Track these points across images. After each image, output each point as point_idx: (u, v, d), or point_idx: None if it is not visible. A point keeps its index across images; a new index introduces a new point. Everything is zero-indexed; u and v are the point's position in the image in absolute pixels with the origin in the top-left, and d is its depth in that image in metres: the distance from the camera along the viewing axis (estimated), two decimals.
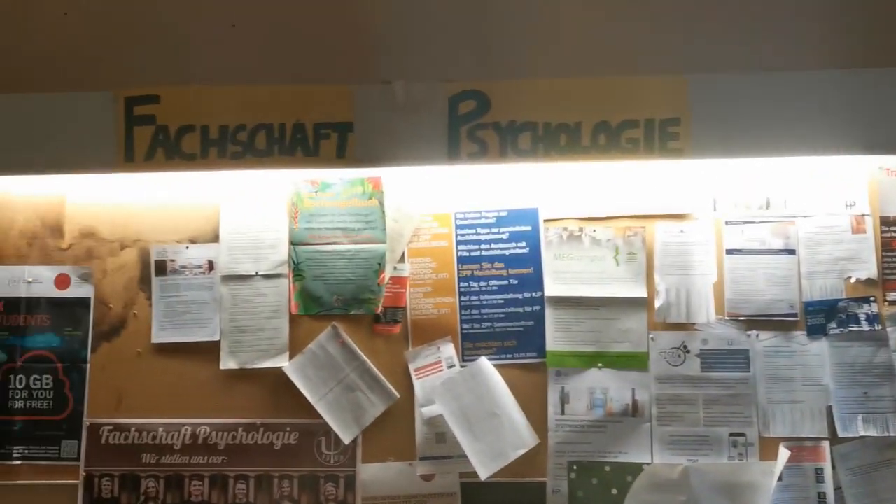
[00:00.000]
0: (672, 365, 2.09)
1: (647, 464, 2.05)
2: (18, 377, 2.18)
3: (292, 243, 2.13)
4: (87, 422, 2.14)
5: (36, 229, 2.22)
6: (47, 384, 2.17)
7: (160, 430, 2.14)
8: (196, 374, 2.14)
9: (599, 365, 2.08)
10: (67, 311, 2.19)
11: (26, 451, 2.15)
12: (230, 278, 2.15)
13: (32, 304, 2.20)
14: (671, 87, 1.94)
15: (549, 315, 2.10)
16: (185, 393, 2.13)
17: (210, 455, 2.11)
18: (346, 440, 2.09)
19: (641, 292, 2.09)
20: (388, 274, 2.11)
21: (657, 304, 2.09)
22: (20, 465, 2.15)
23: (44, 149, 2.06)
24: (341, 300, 2.12)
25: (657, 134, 1.93)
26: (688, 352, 2.08)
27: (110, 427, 2.14)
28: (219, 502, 2.12)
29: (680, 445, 2.06)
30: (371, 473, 2.09)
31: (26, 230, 2.22)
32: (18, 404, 2.17)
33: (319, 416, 2.09)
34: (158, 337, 2.15)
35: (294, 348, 2.12)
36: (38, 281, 2.20)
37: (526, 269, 2.11)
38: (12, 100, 2.08)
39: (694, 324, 2.09)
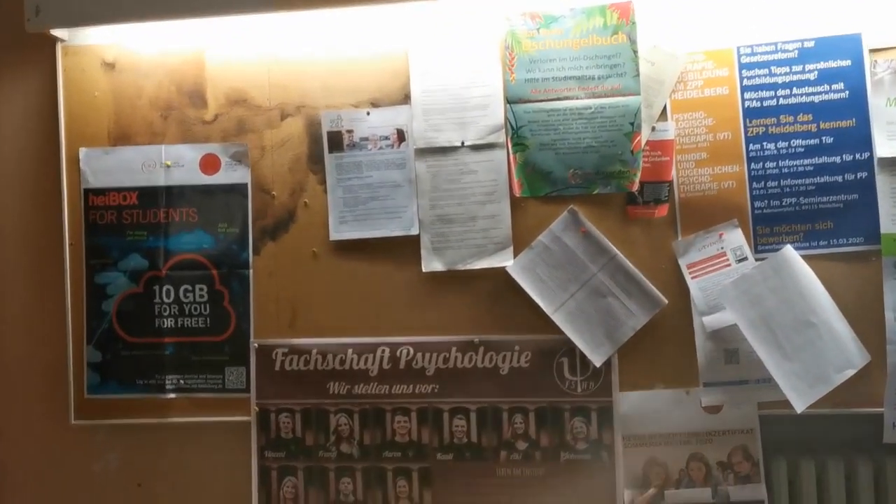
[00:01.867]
0: None
1: None
2: (165, 288, 1.76)
3: (509, 101, 1.71)
4: (255, 343, 1.77)
5: (171, 97, 1.79)
6: (201, 296, 1.77)
7: (349, 352, 1.73)
8: (391, 280, 1.75)
9: None
10: (219, 201, 1.77)
11: (181, 382, 1.76)
12: (428, 152, 1.73)
13: (174, 194, 1.77)
14: None
15: (883, 185, 1.64)
16: (378, 304, 1.76)
17: (416, 383, 1.74)
18: (598, 362, 1.69)
19: None
20: (644, 137, 1.68)
21: None
22: (175, 399, 1.75)
23: None
24: (580, 175, 1.69)
25: None
26: None
27: (285, 349, 1.76)
28: (431, 442, 1.72)
29: None
30: (633, 405, 1.69)
31: (158, 99, 1.79)
32: (167, 322, 1.75)
33: (559, 331, 1.69)
34: (338, 232, 1.75)
35: (519, 242, 1.71)
36: (178, 164, 1.77)
37: (845, 121, 1.65)
38: None
39: None
